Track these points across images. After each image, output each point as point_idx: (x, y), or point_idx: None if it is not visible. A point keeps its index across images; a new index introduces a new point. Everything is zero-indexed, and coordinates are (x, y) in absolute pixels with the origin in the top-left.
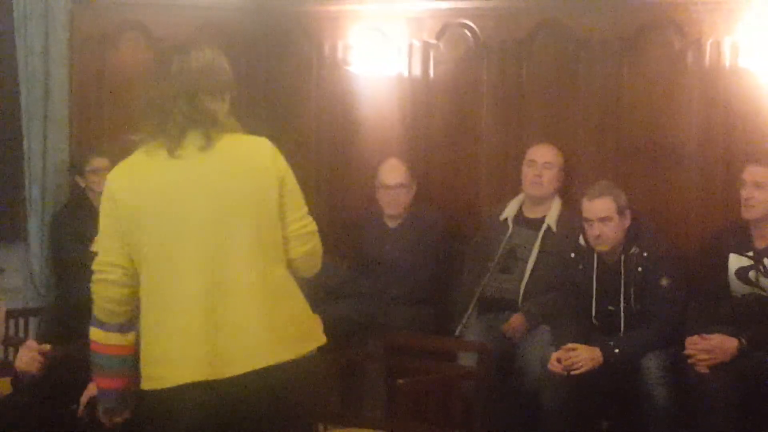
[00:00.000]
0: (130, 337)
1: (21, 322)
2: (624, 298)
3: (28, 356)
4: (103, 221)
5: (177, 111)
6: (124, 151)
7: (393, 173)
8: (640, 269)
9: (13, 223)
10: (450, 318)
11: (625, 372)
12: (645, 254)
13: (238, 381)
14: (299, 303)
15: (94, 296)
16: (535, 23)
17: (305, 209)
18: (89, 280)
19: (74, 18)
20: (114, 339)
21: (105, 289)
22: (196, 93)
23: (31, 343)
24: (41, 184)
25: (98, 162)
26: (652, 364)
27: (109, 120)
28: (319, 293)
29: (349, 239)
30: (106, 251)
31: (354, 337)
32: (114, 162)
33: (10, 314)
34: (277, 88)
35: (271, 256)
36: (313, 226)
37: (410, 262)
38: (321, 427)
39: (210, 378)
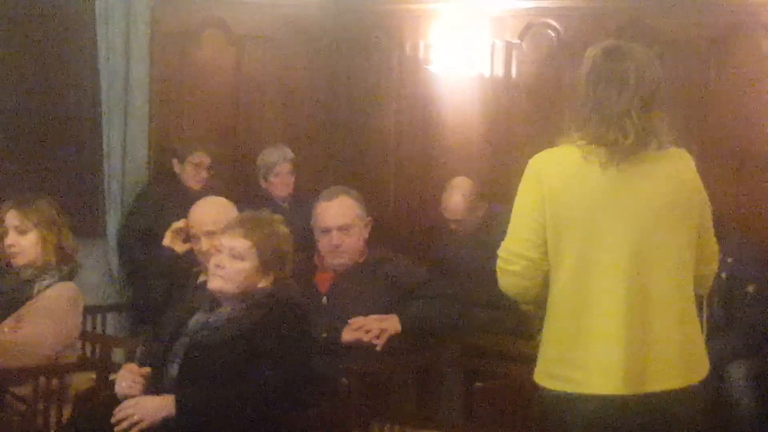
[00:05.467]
0: None
1: (99, 318)
2: (707, 305)
3: (129, 379)
4: (520, 205)
5: (631, 125)
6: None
7: (453, 196)
8: (724, 275)
9: (91, 219)
10: (530, 322)
11: (710, 379)
12: (729, 260)
13: (648, 399)
14: (698, 325)
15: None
16: (619, 23)
17: (712, 227)
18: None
19: (155, 14)
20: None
21: (506, 282)
22: (650, 108)
23: (130, 365)
24: (120, 180)
25: (200, 157)
26: (738, 372)
27: (189, 116)
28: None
29: (427, 241)
30: (513, 240)
31: (432, 339)
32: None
33: (87, 311)
34: (359, 86)
35: (686, 274)
36: (717, 246)
37: (488, 266)
38: (396, 428)
39: (620, 393)
